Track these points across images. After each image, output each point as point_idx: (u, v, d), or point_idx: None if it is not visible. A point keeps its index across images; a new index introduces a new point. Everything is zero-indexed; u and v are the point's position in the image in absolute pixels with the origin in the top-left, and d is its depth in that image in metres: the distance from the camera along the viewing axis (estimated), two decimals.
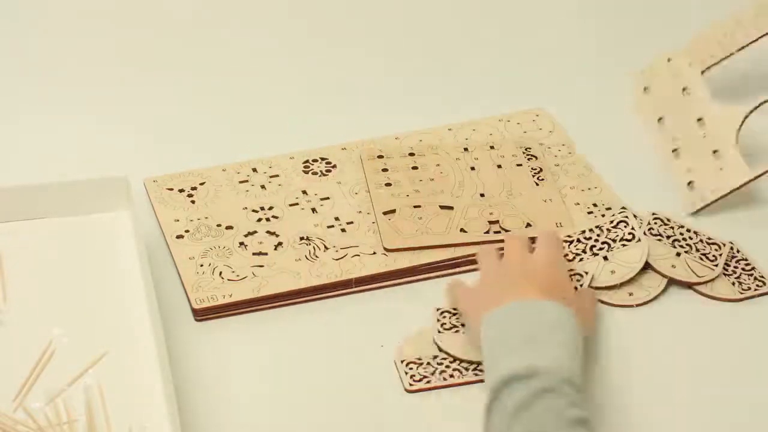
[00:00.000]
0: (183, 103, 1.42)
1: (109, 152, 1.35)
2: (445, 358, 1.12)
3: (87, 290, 1.17)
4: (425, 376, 1.11)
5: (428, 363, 1.12)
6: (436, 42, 1.53)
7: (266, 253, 1.22)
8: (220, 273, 1.19)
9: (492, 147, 1.35)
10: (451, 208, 1.27)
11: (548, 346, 1.01)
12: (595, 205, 1.28)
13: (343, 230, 1.24)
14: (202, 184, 1.30)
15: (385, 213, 1.26)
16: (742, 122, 1.28)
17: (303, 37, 1.53)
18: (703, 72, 1.37)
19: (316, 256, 1.21)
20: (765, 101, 1.28)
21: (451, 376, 1.11)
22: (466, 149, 1.35)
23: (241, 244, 1.23)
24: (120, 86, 1.44)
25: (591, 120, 1.41)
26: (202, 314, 1.16)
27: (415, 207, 1.27)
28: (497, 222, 1.25)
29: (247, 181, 1.31)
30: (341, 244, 1.23)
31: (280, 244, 1.23)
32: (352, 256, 1.22)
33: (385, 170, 1.32)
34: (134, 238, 1.19)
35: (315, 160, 1.34)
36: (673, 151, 1.34)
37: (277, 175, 1.32)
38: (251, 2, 1.56)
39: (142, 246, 1.17)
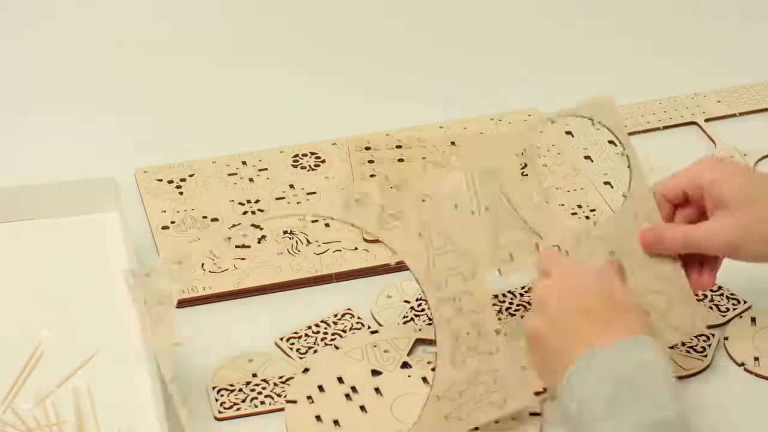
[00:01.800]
0: (178, 97, 1.44)
1: (104, 147, 1.36)
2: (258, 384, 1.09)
3: (75, 292, 1.17)
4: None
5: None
6: (430, 41, 1.54)
7: (249, 246, 1.22)
8: (202, 264, 1.20)
9: None
10: None
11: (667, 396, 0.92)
12: (579, 206, 1.27)
13: (327, 225, 1.25)
14: (191, 175, 1.31)
15: None
16: None
17: (299, 33, 1.54)
18: None
19: (298, 250, 1.22)
20: None
21: (262, 402, 1.07)
22: (453, 143, 1.35)
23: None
24: (113, 80, 1.46)
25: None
26: (181, 305, 1.17)
27: None
28: None
29: (236, 173, 1.32)
30: (324, 239, 1.23)
31: (263, 237, 1.24)
32: (334, 251, 1.22)
33: (371, 162, 1.32)
34: (123, 239, 1.20)
35: (305, 155, 1.35)
36: None
37: (266, 169, 1.32)
38: None
39: (130, 247, 1.17)
